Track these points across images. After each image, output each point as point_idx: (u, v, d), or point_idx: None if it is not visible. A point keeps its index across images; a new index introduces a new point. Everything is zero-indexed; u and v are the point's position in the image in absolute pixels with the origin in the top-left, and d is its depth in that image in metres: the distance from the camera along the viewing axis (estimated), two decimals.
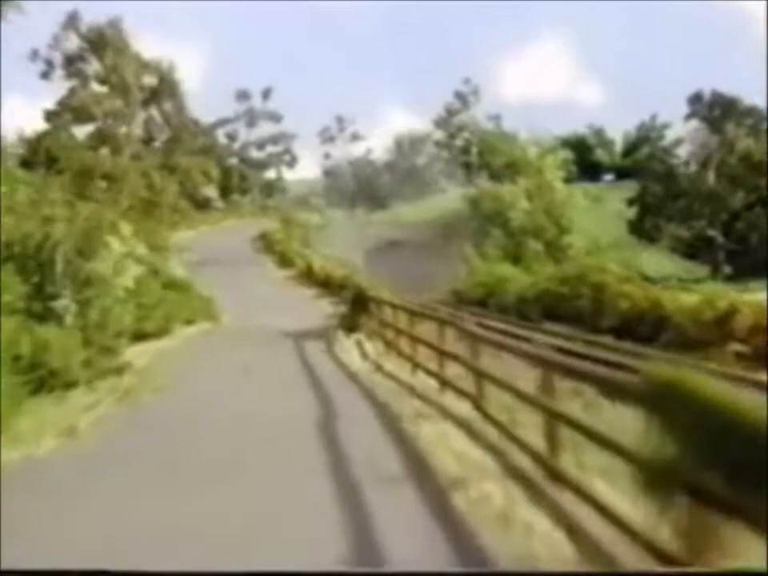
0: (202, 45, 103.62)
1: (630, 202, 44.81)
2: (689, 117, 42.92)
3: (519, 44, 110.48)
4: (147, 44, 61.49)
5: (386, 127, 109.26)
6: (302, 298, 33.19)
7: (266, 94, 68.03)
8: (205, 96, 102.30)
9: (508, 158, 56.94)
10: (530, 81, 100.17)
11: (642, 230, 42.12)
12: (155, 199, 30.47)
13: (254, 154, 70.22)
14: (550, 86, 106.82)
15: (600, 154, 58.39)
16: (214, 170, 38.33)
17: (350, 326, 20.76)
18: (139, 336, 18.45)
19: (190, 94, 46.24)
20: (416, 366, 11.94)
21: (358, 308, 20.41)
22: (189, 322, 24.14)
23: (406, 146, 75.35)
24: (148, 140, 34.50)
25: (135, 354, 14.15)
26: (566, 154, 54.68)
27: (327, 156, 73.83)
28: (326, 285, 35.16)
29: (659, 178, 40.86)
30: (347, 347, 16.78)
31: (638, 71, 79.30)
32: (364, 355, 15.28)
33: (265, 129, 69.42)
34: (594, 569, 4.21)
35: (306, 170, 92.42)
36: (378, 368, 12.94)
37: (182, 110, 33.51)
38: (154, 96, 32.31)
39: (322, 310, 29.69)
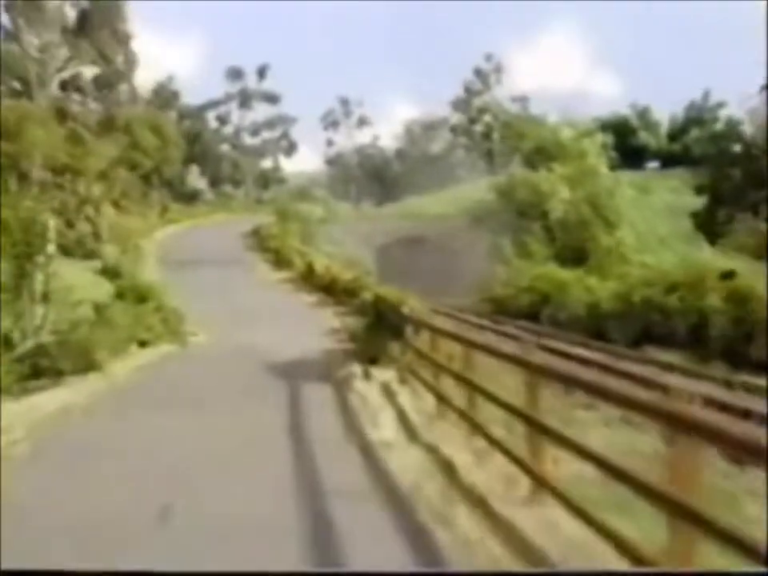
0: (198, 27, 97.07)
1: (699, 190, 38.49)
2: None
3: (531, 34, 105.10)
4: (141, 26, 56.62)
5: (391, 117, 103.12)
6: (301, 306, 26.96)
7: (262, 72, 61.82)
8: (200, 81, 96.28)
9: (537, 143, 50.95)
10: (542, 71, 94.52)
11: (713, 223, 35.80)
12: (78, 166, 23.82)
13: (248, 140, 63.98)
14: (562, 76, 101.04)
15: (644, 138, 52.03)
16: (170, 128, 31.45)
17: (368, 354, 14.49)
18: (46, 373, 12.31)
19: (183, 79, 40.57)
20: (539, 479, 5.66)
21: (380, 329, 14.09)
22: (144, 344, 17.95)
23: (418, 132, 69.13)
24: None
25: None
26: (606, 137, 48.55)
27: (330, 143, 67.67)
28: (330, 290, 28.96)
29: (737, 162, 34.53)
30: (372, 401, 10.49)
31: (654, 61, 73.72)
32: (405, 423, 8.97)
33: (260, 112, 63.22)
34: None
35: (306, 161, 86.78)
36: (447, 468, 6.66)
37: (127, 43, 26.35)
38: (83, 22, 25.36)
39: (326, 323, 23.59)
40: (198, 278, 31.56)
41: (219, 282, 30.73)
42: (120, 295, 22.09)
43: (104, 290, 23.37)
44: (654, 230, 45.05)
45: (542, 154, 47.96)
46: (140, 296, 21.92)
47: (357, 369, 13.40)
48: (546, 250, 33.44)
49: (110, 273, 29.40)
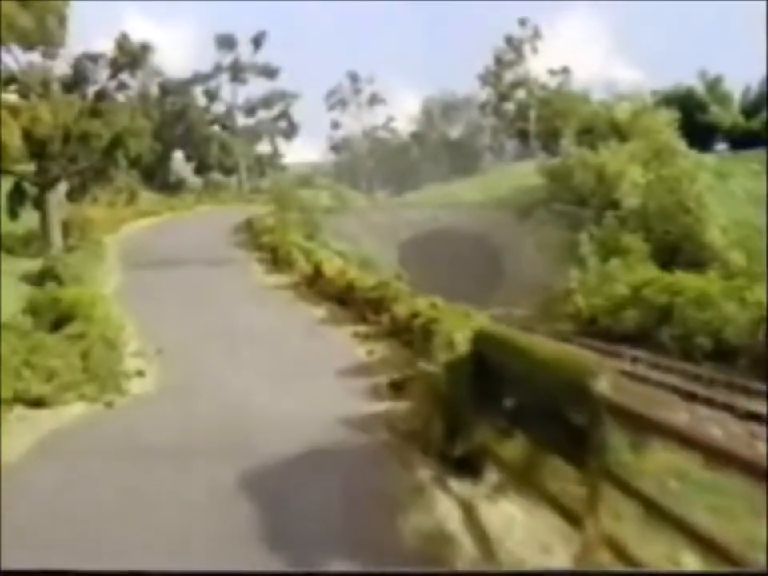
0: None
1: None
2: None
3: (551, 19, 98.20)
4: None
5: (401, 98, 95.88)
6: (306, 324, 19.59)
7: (257, 41, 54.48)
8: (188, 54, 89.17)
9: (587, 121, 43.96)
10: (562, 58, 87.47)
11: None
12: None
13: (242, 121, 56.66)
14: (582, 64, 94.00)
15: (716, 114, 44.68)
16: None
17: (452, 447, 7.22)
18: None
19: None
20: None
21: (491, 408, 6.69)
22: (40, 402, 10.78)
23: (438, 113, 61.78)
24: None
25: None
26: (672, 113, 41.26)
27: (336, 125, 60.21)
28: (346, 300, 21.67)
29: None
30: None
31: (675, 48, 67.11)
32: None
33: (255, 88, 55.86)
34: None
35: (308, 150, 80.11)
36: None
37: None
38: None
39: (345, 351, 16.59)
40: (169, 284, 25.12)
41: (196, 290, 24.07)
42: (34, 312, 14.93)
43: (14, 303, 16.17)
44: (737, 222, 37.77)
45: (592, 134, 40.91)
46: (63, 314, 14.67)
47: (446, 504, 6.09)
48: (643, 245, 26.04)
49: (45, 277, 22.24)
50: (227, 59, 54.14)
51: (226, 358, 15.17)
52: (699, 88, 46.11)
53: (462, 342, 11.68)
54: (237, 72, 53.94)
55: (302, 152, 79.99)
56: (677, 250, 28.31)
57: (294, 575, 4.00)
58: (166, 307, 21.09)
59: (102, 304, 15.81)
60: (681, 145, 35.67)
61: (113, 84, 30.79)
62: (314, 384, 12.94)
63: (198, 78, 53.92)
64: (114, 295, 24.13)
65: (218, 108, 55.24)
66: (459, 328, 12.70)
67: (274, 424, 10.01)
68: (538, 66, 53.85)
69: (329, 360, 15.12)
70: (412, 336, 15.88)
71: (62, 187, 33.44)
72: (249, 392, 11.96)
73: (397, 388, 11.52)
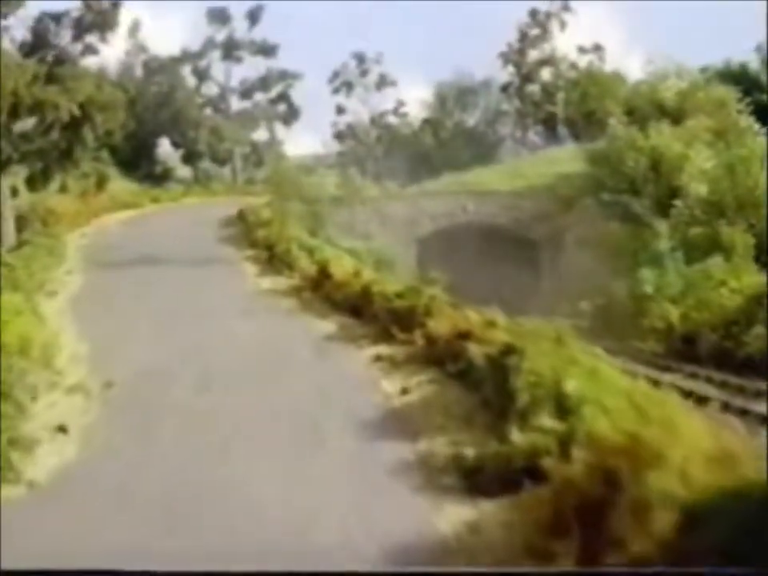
0: None
1: None
2: None
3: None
4: None
5: (408, 83, 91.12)
6: (308, 345, 15.01)
7: (254, 15, 50.11)
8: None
9: (624, 103, 39.67)
10: (592, 35, 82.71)
11: None
12: None
13: (236, 104, 52.30)
14: (611, 42, 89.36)
15: None
16: None
17: None
18: None
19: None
20: None
21: None
22: None
23: (453, 98, 57.20)
24: None
25: None
26: (729, 92, 36.85)
27: (341, 110, 55.64)
28: (362, 311, 17.15)
29: None
30: None
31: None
32: None
33: (251, 68, 51.48)
34: None
35: (310, 141, 75.71)
36: None
37: None
38: None
39: (365, 392, 12.12)
40: (140, 289, 20.48)
41: (172, 296, 20.28)
42: None
43: None
44: None
45: (632, 116, 36.53)
46: None
47: None
48: (750, 239, 21.35)
49: None
50: (220, 35, 49.81)
51: (196, 405, 10.68)
52: (754, 64, 41.72)
53: (583, 398, 7.07)
54: (231, 49, 49.55)
55: (303, 141, 75.25)
56: (760, 246, 23.76)
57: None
58: (132, 320, 17.19)
59: (17, 322, 11.15)
60: (751, 123, 31.24)
61: (78, 48, 26.24)
62: (325, 458, 8.38)
63: (187, 56, 49.50)
64: (69, 302, 19.96)
65: (210, 89, 50.92)
66: (561, 368, 8.08)
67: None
68: (567, 43, 49.62)
69: (344, 404, 10.64)
70: (461, 365, 11.35)
71: (21, 173, 29.12)
72: (221, 482, 7.41)
73: (473, 477, 6.85)
